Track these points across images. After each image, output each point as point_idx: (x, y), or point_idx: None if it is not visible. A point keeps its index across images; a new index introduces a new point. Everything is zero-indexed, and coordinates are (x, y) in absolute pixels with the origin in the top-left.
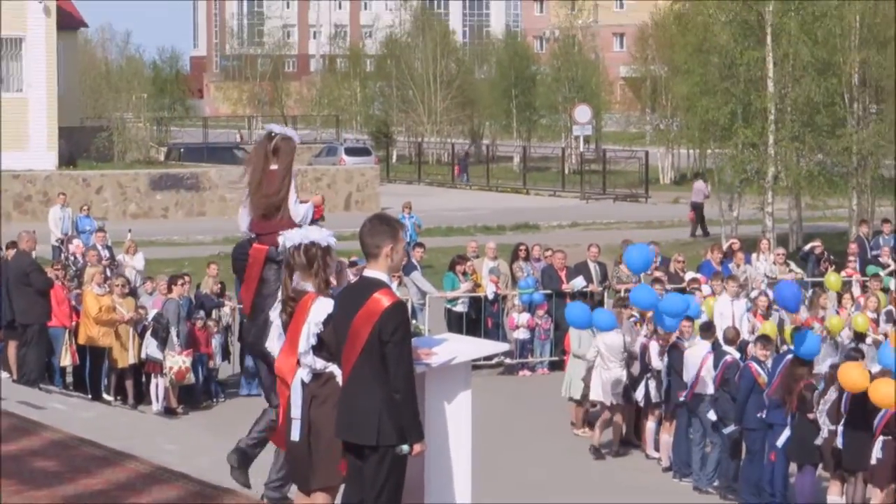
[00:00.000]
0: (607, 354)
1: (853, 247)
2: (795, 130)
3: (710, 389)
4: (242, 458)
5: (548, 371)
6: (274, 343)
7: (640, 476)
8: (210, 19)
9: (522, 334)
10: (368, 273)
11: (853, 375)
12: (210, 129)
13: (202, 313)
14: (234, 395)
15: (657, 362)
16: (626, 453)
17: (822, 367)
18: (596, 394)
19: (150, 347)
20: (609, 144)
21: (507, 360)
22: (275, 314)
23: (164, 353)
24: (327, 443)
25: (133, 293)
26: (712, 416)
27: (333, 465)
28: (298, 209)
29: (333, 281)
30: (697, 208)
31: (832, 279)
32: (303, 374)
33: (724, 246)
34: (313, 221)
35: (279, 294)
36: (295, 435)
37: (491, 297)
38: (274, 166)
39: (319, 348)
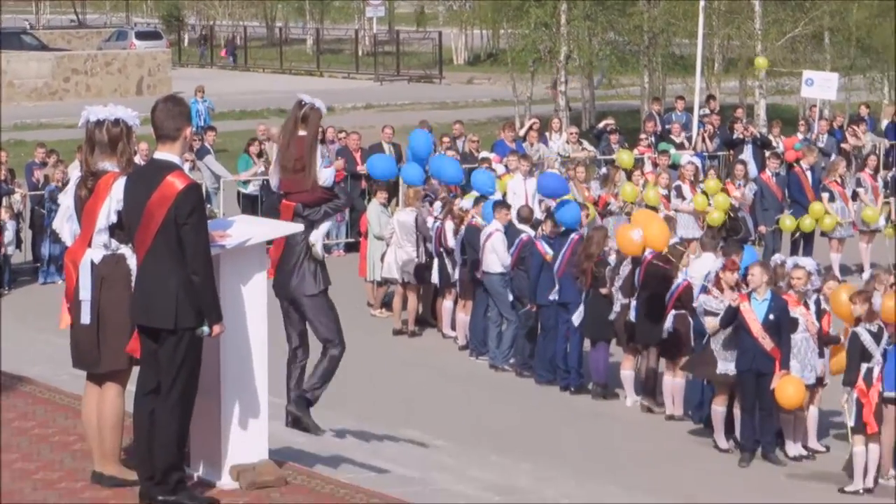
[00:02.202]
0: (400, 233)
1: (649, 125)
2: (587, 10)
3: (499, 268)
4: (300, 407)
5: (343, 253)
6: (62, 224)
7: (437, 355)
8: None
9: None
10: (160, 156)
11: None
12: None
13: None
14: (27, 283)
15: (452, 241)
16: (422, 333)
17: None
18: (389, 272)
19: None
20: (402, 26)
21: None
22: (64, 196)
23: None
24: (115, 326)
25: None
26: (501, 290)
27: (121, 349)
28: (323, 172)
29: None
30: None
31: (624, 157)
32: (93, 255)
33: (525, 127)
34: (335, 184)
35: (303, 244)
36: (85, 318)
37: None
38: (302, 132)
39: (118, 228)
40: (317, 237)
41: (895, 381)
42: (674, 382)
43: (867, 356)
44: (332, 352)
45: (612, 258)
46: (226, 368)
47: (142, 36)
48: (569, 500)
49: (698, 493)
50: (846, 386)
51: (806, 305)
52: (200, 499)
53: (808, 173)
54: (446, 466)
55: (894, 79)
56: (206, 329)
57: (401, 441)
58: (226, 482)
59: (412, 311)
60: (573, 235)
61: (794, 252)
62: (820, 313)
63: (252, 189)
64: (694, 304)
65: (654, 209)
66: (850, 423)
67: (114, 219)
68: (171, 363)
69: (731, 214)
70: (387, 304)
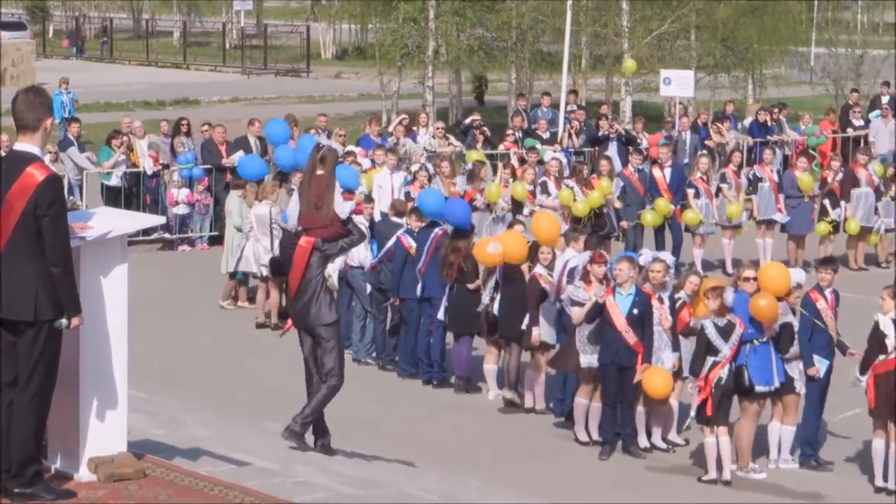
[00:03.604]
0: (257, 226)
1: (516, 120)
2: (456, 5)
3: (366, 261)
4: (297, 437)
5: (207, 246)
6: None
7: (300, 348)
8: None
9: (182, 210)
10: (20, 147)
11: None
12: None
13: None
14: None
15: None
16: (282, 326)
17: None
18: (248, 265)
19: None
20: (270, 19)
21: (167, 236)
22: None
23: None
24: None
25: None
26: (363, 284)
27: None
28: (344, 206)
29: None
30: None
31: (473, 155)
32: None
33: (395, 122)
34: (349, 218)
35: (319, 276)
36: None
37: (150, 172)
38: (320, 172)
39: None
40: (333, 270)
41: (766, 376)
42: (535, 376)
43: (713, 350)
44: (332, 383)
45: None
46: (85, 361)
47: (5, 26)
48: (429, 494)
49: (559, 486)
50: (690, 375)
51: (660, 300)
52: (57, 491)
53: (668, 170)
54: (307, 459)
55: (758, 77)
56: (64, 321)
57: (262, 433)
58: (83, 474)
59: (273, 304)
60: (437, 230)
61: (658, 247)
62: (676, 308)
63: (115, 181)
64: (561, 297)
65: (521, 204)
66: (692, 413)
67: None
68: (30, 355)
69: (597, 210)
70: (250, 298)
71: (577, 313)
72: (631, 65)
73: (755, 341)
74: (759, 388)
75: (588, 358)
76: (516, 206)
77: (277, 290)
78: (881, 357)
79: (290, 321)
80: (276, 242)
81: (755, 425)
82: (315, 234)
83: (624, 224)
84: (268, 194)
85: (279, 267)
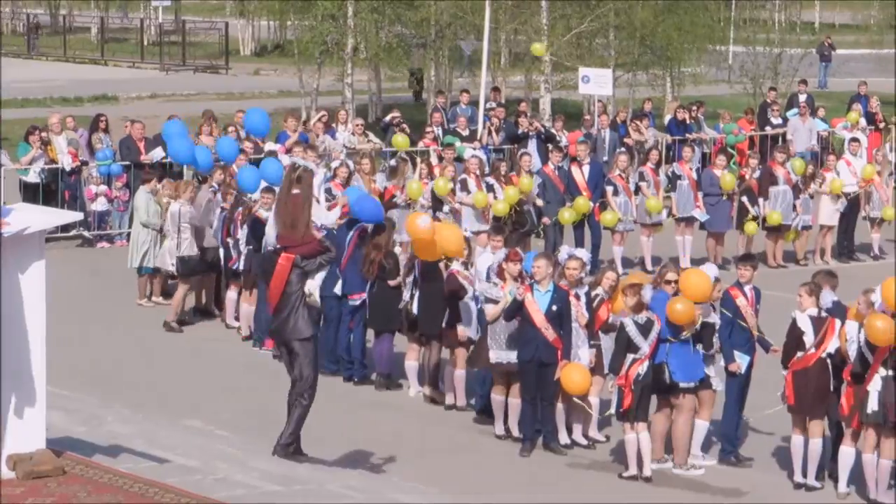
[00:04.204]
0: (171, 223)
1: (436, 117)
2: (375, 2)
3: None
4: (285, 453)
5: (126, 243)
6: None
7: (220, 345)
8: None
9: (101, 206)
10: None
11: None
12: None
13: None
14: None
15: (239, 232)
16: (195, 322)
17: (402, 235)
18: (163, 262)
19: None
20: (189, 15)
21: (86, 233)
22: None
23: None
24: None
25: None
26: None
27: None
28: (329, 215)
29: None
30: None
31: (399, 139)
32: None
33: (314, 118)
34: (327, 234)
35: (298, 292)
36: None
37: (68, 168)
38: (296, 191)
39: None
40: (313, 286)
41: (687, 372)
42: (455, 373)
43: (633, 347)
44: (303, 402)
45: (398, 249)
46: (3, 358)
47: None
48: (350, 490)
49: (480, 482)
50: (611, 372)
51: (576, 297)
52: None
53: (586, 168)
54: (228, 456)
55: (676, 75)
56: None
57: (182, 431)
58: (2, 472)
59: (178, 301)
60: (356, 227)
61: (577, 245)
62: (594, 304)
63: (33, 177)
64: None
65: (441, 202)
66: (612, 410)
67: None
68: None
69: (517, 208)
70: (169, 294)
71: (490, 310)
72: (539, 47)
73: (672, 339)
74: (682, 385)
75: (497, 354)
76: (436, 203)
77: (187, 289)
78: (799, 354)
79: (269, 341)
80: (185, 241)
81: (692, 420)
82: (294, 252)
83: (546, 220)
84: (182, 193)
85: (187, 267)
